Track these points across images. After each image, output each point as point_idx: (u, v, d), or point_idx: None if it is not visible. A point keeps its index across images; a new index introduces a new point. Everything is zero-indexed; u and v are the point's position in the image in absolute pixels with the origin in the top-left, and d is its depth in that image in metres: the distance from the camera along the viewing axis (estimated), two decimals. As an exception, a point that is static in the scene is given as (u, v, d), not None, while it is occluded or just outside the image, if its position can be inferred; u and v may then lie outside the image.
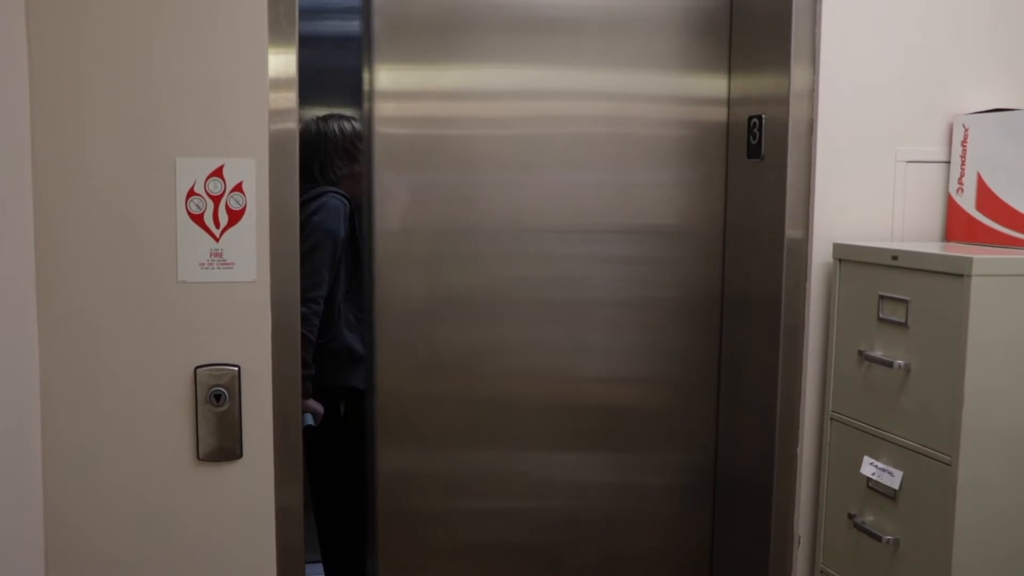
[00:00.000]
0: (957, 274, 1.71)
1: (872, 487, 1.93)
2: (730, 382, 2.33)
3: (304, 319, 2.34)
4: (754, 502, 2.20)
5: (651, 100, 2.28)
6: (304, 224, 2.52)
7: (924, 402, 1.80)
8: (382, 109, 2.15)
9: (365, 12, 2.15)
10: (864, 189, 2.06)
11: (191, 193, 1.72)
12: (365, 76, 2.17)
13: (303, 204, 2.57)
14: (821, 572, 2.10)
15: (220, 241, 1.74)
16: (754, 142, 2.15)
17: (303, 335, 2.12)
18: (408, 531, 2.29)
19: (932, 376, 1.78)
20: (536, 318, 2.29)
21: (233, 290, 1.76)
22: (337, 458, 2.76)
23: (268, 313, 1.78)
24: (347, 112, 2.92)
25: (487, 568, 2.35)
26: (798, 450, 2.11)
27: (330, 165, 2.74)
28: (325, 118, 2.79)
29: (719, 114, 2.30)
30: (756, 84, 2.18)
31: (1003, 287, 1.72)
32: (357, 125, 2.79)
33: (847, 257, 2.00)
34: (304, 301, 2.37)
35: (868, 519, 1.95)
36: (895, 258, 1.86)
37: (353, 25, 3.37)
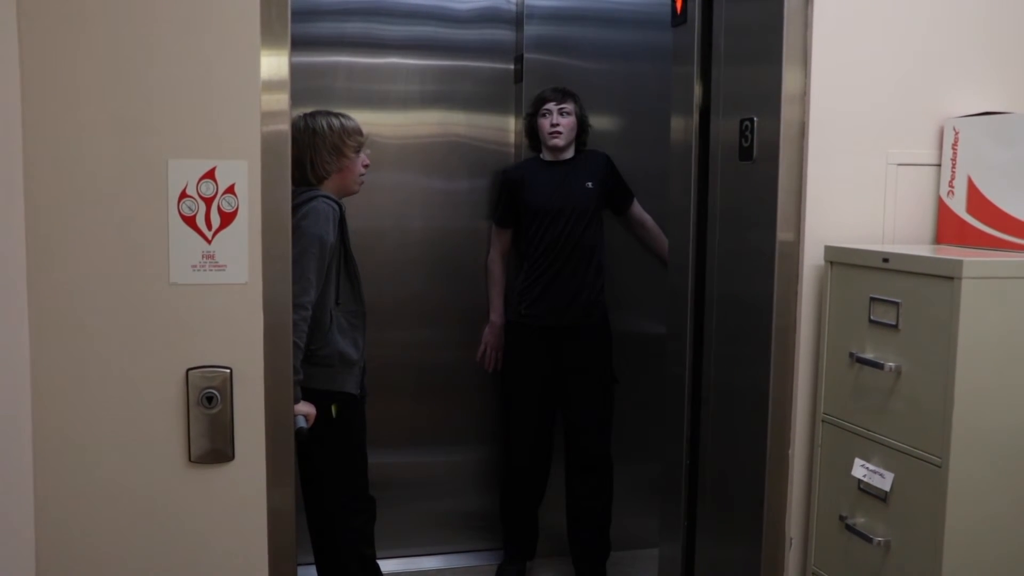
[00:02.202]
0: (947, 276, 1.72)
1: (863, 489, 1.93)
2: (722, 383, 2.33)
3: (293, 325, 2.34)
4: (746, 503, 2.21)
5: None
6: (292, 229, 2.52)
7: (915, 404, 1.81)
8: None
9: None
10: (855, 192, 2.07)
11: (183, 195, 1.72)
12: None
13: (292, 209, 2.57)
14: (812, 574, 2.11)
15: (212, 243, 1.73)
16: (746, 144, 2.16)
17: (292, 342, 2.12)
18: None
19: (923, 378, 1.79)
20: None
21: (225, 292, 1.75)
22: (327, 461, 2.76)
23: (260, 315, 1.77)
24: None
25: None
26: (790, 452, 2.11)
27: (320, 161, 2.75)
28: (312, 114, 2.80)
29: (712, 117, 2.31)
30: (748, 87, 2.19)
31: (993, 290, 1.72)
32: (346, 121, 2.79)
33: (838, 259, 2.00)
34: (292, 307, 2.38)
35: (859, 521, 1.95)
36: (886, 260, 1.87)
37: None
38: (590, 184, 3.33)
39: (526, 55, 3.48)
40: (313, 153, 2.75)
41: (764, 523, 2.14)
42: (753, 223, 2.15)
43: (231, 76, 1.72)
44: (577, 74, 3.49)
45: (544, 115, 3.30)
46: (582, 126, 3.37)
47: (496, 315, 3.48)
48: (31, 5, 1.63)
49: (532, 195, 3.35)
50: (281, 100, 1.77)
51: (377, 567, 2.93)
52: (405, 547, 3.57)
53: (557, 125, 3.28)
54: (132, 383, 1.73)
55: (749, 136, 2.15)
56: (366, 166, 2.85)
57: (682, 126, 2.44)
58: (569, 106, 3.31)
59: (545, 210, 3.31)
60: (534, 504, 3.49)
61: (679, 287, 2.46)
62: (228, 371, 1.76)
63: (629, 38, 3.54)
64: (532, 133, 3.39)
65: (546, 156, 3.38)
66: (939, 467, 1.74)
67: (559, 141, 3.30)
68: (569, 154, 3.37)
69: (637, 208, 3.50)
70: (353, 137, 2.80)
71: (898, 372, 1.84)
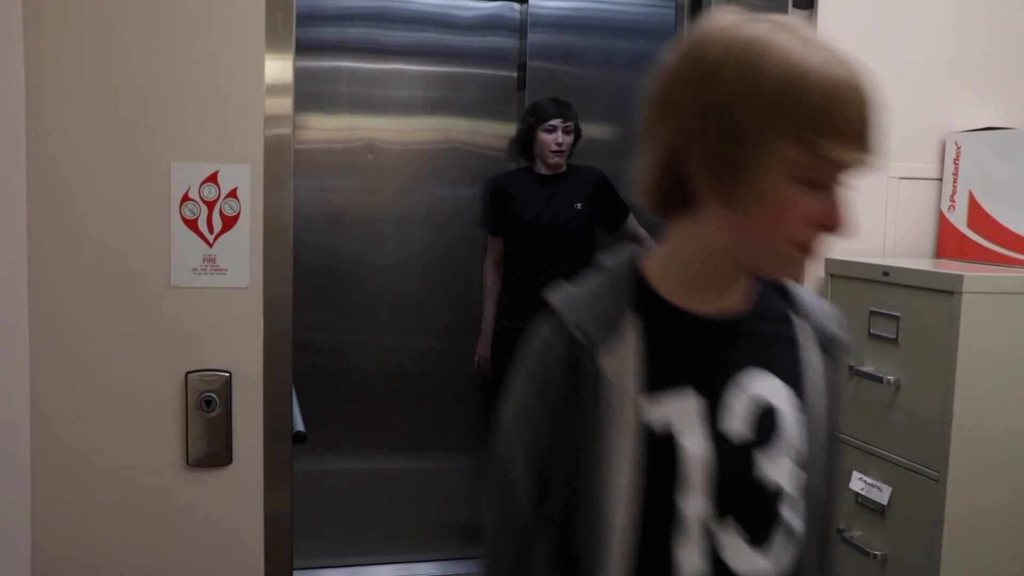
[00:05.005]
0: (947, 291, 1.72)
1: (861, 502, 1.93)
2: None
3: None
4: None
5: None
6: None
7: (913, 418, 1.81)
8: None
9: None
10: (856, 205, 2.06)
11: (185, 198, 1.72)
12: None
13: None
14: (809, 586, 2.10)
15: (213, 247, 1.74)
16: (748, 156, 2.16)
17: None
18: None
19: (921, 392, 1.79)
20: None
21: (226, 296, 1.75)
22: None
23: (260, 319, 1.77)
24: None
25: None
26: (788, 464, 2.11)
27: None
28: None
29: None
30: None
31: (993, 304, 1.73)
32: None
33: (839, 272, 2.00)
34: None
35: (857, 534, 1.95)
36: (886, 274, 1.87)
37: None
38: (579, 205, 3.29)
39: (529, 63, 3.48)
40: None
41: (761, 535, 2.13)
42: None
43: (235, 80, 1.72)
44: (580, 83, 3.49)
45: (549, 131, 3.25)
46: (575, 138, 3.34)
47: (487, 325, 3.45)
48: (36, 8, 1.64)
49: (520, 209, 3.31)
50: (285, 104, 1.78)
51: None
52: (401, 554, 3.56)
53: (562, 144, 3.25)
54: (131, 385, 1.73)
55: (751, 147, 2.15)
56: None
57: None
58: (571, 123, 3.28)
59: (531, 227, 3.27)
60: None
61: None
62: (227, 375, 1.76)
63: (632, 47, 3.54)
64: (526, 144, 3.35)
65: (540, 170, 3.34)
66: (937, 481, 1.74)
67: (561, 160, 3.28)
68: (562, 168, 3.34)
69: (632, 223, 3.45)
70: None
71: (897, 385, 1.84)
